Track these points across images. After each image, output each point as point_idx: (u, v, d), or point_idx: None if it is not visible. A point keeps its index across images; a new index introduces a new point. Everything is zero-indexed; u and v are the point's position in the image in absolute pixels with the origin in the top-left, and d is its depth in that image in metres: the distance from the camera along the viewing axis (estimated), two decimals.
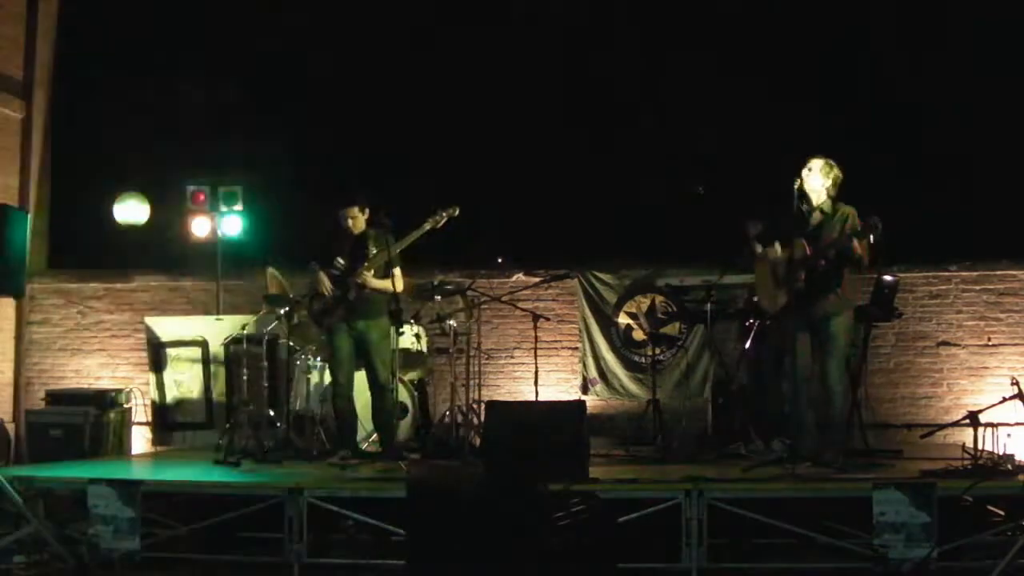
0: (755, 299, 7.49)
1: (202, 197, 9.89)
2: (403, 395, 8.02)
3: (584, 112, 9.83)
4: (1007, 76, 9.15)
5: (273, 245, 9.41)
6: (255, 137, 9.92)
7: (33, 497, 6.31)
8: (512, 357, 9.93)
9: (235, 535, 6.24)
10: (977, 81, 9.16)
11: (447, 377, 8.35)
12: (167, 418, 9.44)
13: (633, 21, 9.81)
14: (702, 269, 8.99)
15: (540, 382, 8.51)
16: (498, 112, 9.77)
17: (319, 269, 7.33)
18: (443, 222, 7.15)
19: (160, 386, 9.47)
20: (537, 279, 9.50)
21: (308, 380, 8.06)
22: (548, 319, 9.23)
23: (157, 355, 9.53)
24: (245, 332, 8.38)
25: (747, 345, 7.73)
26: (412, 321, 8.27)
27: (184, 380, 9.38)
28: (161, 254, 10.44)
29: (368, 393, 7.41)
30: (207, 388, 9.29)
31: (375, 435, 7.63)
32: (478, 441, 7.36)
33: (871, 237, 6.35)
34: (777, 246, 6.86)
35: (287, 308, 7.91)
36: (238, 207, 9.90)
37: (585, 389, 9.78)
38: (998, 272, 9.38)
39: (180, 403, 9.38)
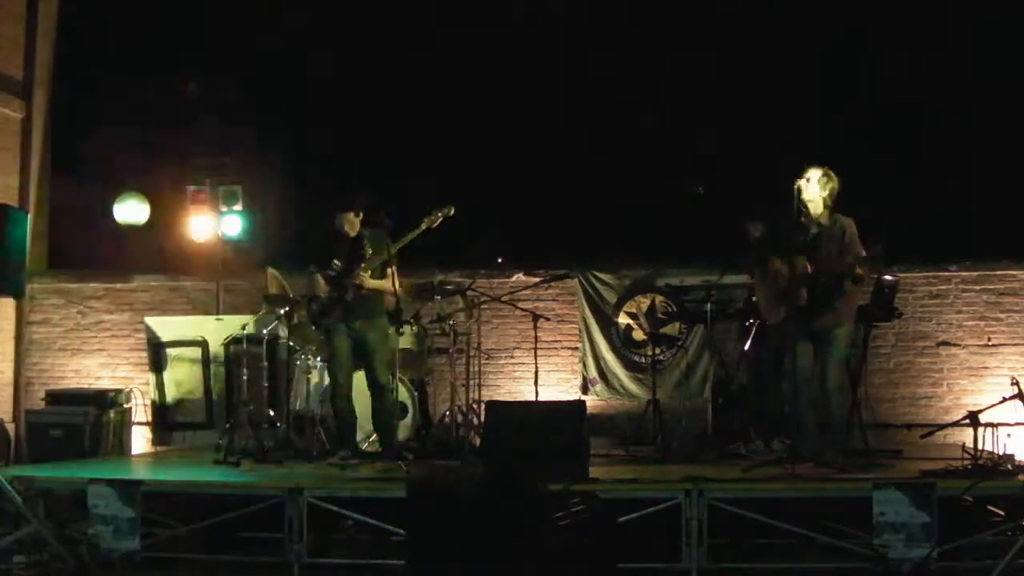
0: (755, 299, 7.49)
1: (202, 197, 9.89)
2: (403, 395, 8.02)
3: (584, 112, 9.83)
4: (1007, 76, 9.14)
5: (273, 245, 9.41)
6: (255, 137, 9.92)
7: (33, 497, 6.31)
8: (512, 357, 9.93)
9: (235, 535, 6.24)
10: (977, 81, 9.16)
11: (447, 377, 8.35)
12: (167, 418, 9.45)
13: (633, 21, 9.81)
14: (702, 269, 9.01)
15: (540, 382, 8.50)
16: (498, 112, 9.77)
17: (316, 272, 7.33)
18: (439, 221, 7.14)
19: (160, 386, 9.48)
20: (537, 279, 9.50)
21: (308, 380, 8.06)
22: (548, 319, 9.22)
23: (157, 355, 9.54)
24: (245, 332, 8.38)
25: (747, 345, 7.74)
26: (411, 321, 8.26)
27: (184, 380, 9.38)
28: (161, 254, 10.44)
29: (368, 393, 7.41)
30: (207, 388, 9.29)
31: (375, 435, 7.63)
32: (478, 441, 7.36)
33: (873, 264, 6.41)
34: (777, 261, 6.88)
35: (287, 308, 7.91)
36: (238, 207, 9.90)
37: (585, 389, 9.78)
38: (998, 272, 9.39)
39: (180, 403, 9.38)
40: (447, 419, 8.21)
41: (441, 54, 10.01)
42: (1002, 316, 9.34)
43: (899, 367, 9.45)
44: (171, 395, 9.40)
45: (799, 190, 6.79)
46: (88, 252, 10.57)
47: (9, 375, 10.47)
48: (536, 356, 8.45)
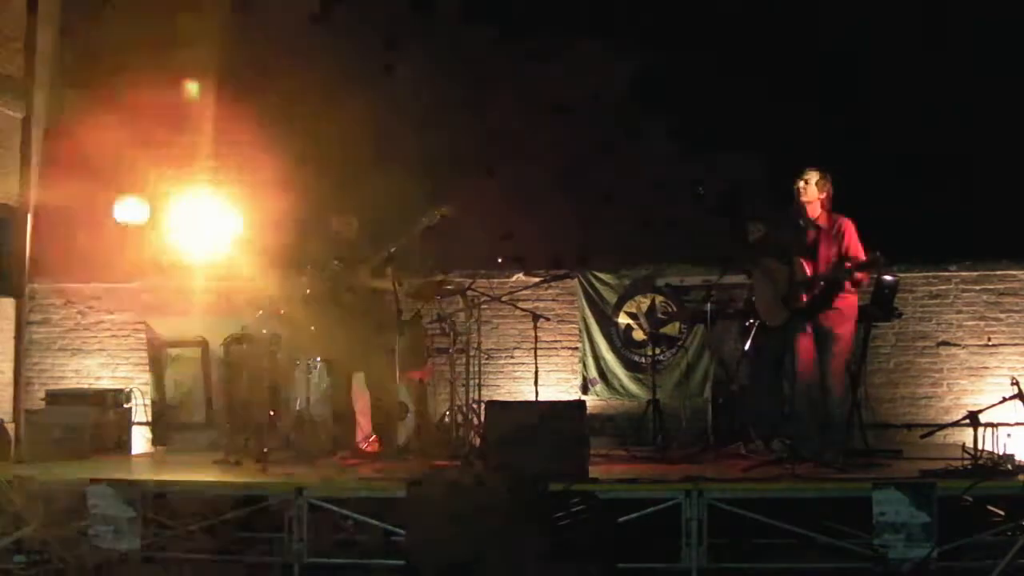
0: (754, 300, 7.50)
1: (202, 197, 9.88)
2: (403, 395, 8.02)
3: (584, 112, 9.81)
4: (1007, 76, 9.14)
5: (273, 246, 9.40)
6: (255, 137, 9.90)
7: (33, 497, 6.31)
8: (512, 357, 9.93)
9: (235, 535, 6.25)
10: (976, 81, 9.15)
11: (447, 377, 8.35)
12: (167, 418, 9.44)
13: (632, 19, 9.80)
14: (702, 269, 9.00)
15: (540, 382, 8.50)
16: (498, 111, 9.76)
17: (314, 272, 7.33)
18: (436, 220, 7.14)
19: (160, 386, 9.47)
20: (537, 279, 9.50)
21: (308, 380, 8.06)
22: (548, 319, 9.23)
23: (157, 355, 9.53)
24: (245, 332, 8.37)
25: (747, 345, 7.74)
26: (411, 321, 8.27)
27: (184, 380, 9.38)
28: (161, 254, 10.43)
29: (368, 393, 7.41)
30: (207, 388, 9.28)
31: (374, 435, 7.63)
32: (478, 441, 7.36)
33: (871, 269, 6.43)
34: (776, 263, 6.89)
35: (287, 308, 7.91)
36: (238, 207, 9.88)
37: (585, 389, 9.78)
38: (998, 272, 9.39)
39: (180, 403, 9.37)
40: (447, 419, 8.21)
41: (441, 54, 9.99)
42: (1002, 316, 9.34)
43: (899, 367, 9.45)
44: (171, 395, 9.39)
45: (797, 192, 6.83)
46: (88, 252, 10.55)
47: (9, 375, 10.46)
48: (536, 356, 8.45)
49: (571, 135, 9.81)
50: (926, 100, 9.17)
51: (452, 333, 8.23)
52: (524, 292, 9.27)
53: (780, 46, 9.43)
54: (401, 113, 9.52)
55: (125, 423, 9.34)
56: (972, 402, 8.63)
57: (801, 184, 6.84)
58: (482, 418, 7.28)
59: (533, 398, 8.39)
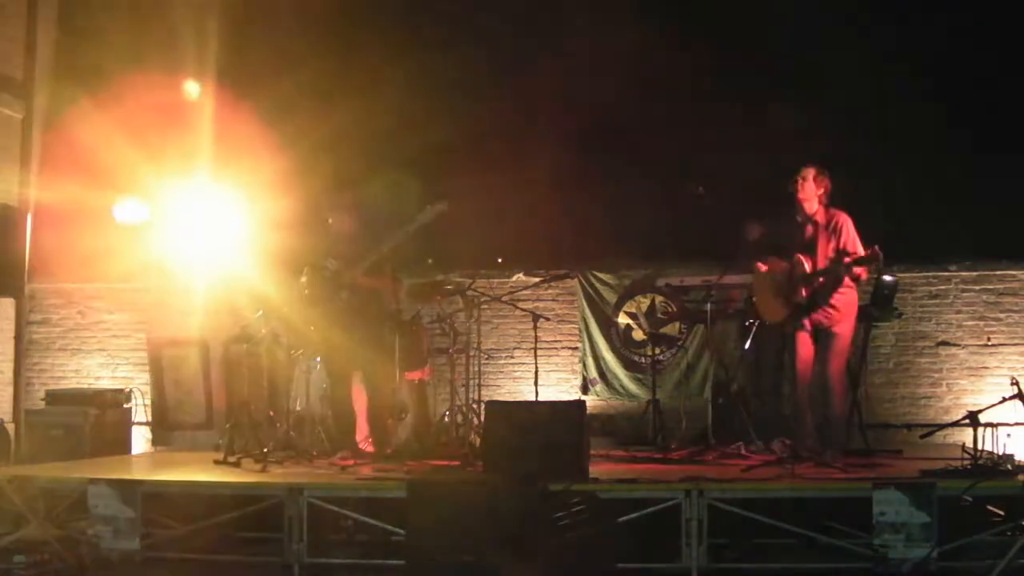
0: (755, 299, 7.50)
1: (202, 197, 9.88)
2: (403, 395, 8.02)
3: (584, 111, 9.81)
4: (1008, 76, 9.14)
5: (273, 246, 9.40)
6: (255, 137, 9.90)
7: (33, 497, 6.30)
8: (512, 357, 9.93)
9: (235, 535, 6.24)
10: (976, 80, 9.16)
11: (447, 377, 8.35)
12: (167, 418, 9.44)
13: (633, 20, 9.79)
14: (702, 269, 9.00)
15: (540, 382, 8.51)
16: (498, 111, 9.76)
17: (312, 272, 7.33)
18: (433, 217, 7.10)
19: (160, 386, 9.47)
20: (537, 279, 9.51)
21: (308, 380, 8.06)
22: (548, 319, 9.23)
23: (157, 355, 9.52)
24: (245, 332, 8.37)
25: (747, 345, 7.74)
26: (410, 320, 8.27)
27: (184, 380, 9.37)
28: (161, 254, 10.43)
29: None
30: (207, 388, 9.28)
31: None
32: (478, 441, 7.36)
33: (870, 264, 6.43)
34: (776, 261, 6.90)
35: (286, 308, 7.90)
36: (238, 207, 9.89)
37: (585, 389, 9.79)
38: (998, 272, 9.39)
39: (180, 403, 9.37)
40: (447, 419, 8.21)
41: (437, 54, 9.99)
42: (1002, 316, 9.35)
43: (899, 367, 9.46)
44: (171, 395, 9.39)
45: (795, 189, 6.84)
46: (88, 252, 10.55)
47: (9, 375, 10.47)
48: (536, 356, 8.46)
49: (571, 134, 9.80)
50: (925, 99, 9.17)
51: (452, 333, 8.23)
52: (524, 292, 9.27)
53: (780, 46, 9.43)
54: (400, 113, 9.51)
55: (125, 423, 9.34)
56: (972, 402, 8.64)
57: (798, 181, 6.85)
58: (482, 418, 7.28)
59: (533, 398, 8.40)
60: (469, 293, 8.33)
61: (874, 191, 8.76)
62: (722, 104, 9.51)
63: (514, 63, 9.87)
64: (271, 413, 8.25)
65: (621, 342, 9.77)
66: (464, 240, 9.40)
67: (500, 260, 9.64)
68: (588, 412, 6.46)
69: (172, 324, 9.58)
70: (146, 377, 9.75)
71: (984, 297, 9.39)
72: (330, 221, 7.46)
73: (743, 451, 7.45)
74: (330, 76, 9.87)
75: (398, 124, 9.57)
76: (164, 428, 9.44)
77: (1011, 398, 6.51)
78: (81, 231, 10.07)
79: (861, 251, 6.65)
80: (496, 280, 9.69)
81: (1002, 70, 9.17)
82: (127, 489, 6.07)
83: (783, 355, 7.15)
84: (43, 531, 6.09)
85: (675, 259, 9.57)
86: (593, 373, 9.82)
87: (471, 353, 8.24)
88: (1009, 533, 5.61)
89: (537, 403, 8.14)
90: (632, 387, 9.70)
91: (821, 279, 6.65)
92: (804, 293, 6.67)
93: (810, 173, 6.85)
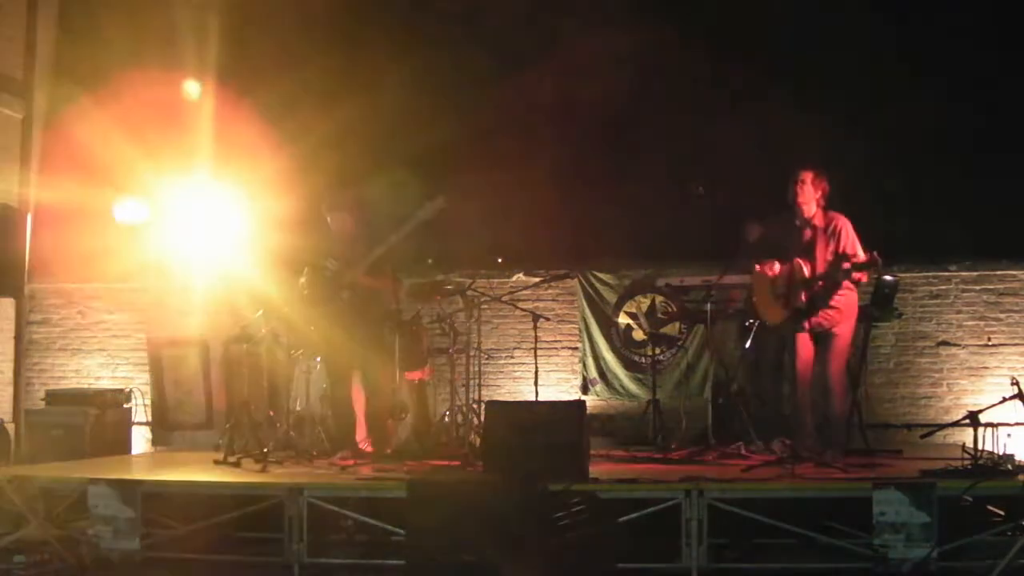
0: (755, 300, 7.50)
1: (202, 197, 9.88)
2: (403, 395, 8.02)
3: (585, 111, 9.81)
4: (1007, 75, 9.14)
5: (273, 246, 9.40)
6: (255, 137, 9.90)
7: (33, 497, 6.30)
8: (512, 357, 9.93)
9: (235, 535, 6.24)
10: (976, 80, 9.16)
11: (447, 377, 8.35)
12: (167, 418, 9.44)
13: (633, 20, 9.79)
14: (702, 269, 9.00)
15: (540, 382, 8.50)
16: (498, 111, 9.76)
17: (311, 272, 7.33)
18: (431, 214, 7.09)
19: (160, 386, 9.47)
20: (537, 279, 9.51)
21: (308, 380, 8.06)
22: (548, 319, 9.23)
23: (157, 355, 9.52)
24: (245, 332, 8.37)
25: (747, 345, 7.74)
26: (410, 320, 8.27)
27: (184, 380, 9.37)
28: (161, 254, 10.43)
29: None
30: (207, 388, 9.28)
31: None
32: (478, 441, 7.36)
33: (869, 269, 6.44)
34: (776, 264, 6.89)
35: (286, 308, 7.91)
36: (238, 207, 9.89)
37: (585, 389, 9.79)
38: (998, 272, 9.39)
39: (180, 403, 9.37)
40: (447, 419, 8.21)
41: (439, 52, 10.00)
42: (1002, 316, 9.34)
43: (899, 367, 9.45)
44: (171, 395, 9.39)
45: (794, 193, 6.84)
46: (88, 252, 10.55)
47: (9, 375, 10.46)
48: (536, 356, 8.45)
49: (571, 134, 9.80)
50: (925, 99, 9.17)
51: (452, 333, 8.23)
52: (524, 292, 9.27)
53: (780, 46, 9.44)
54: (400, 112, 9.52)
55: (125, 423, 9.34)
56: (972, 402, 8.64)
57: (797, 184, 6.85)
58: (482, 418, 7.28)
59: (533, 398, 8.39)
60: (469, 293, 8.33)
61: (874, 191, 8.77)
62: (722, 104, 9.51)
63: (515, 63, 9.86)
64: (271, 413, 8.25)
65: (621, 342, 9.77)
66: (464, 240, 9.41)
67: (500, 260, 9.64)
68: (588, 412, 6.46)
69: (172, 324, 9.58)
70: (146, 377, 9.75)
71: (984, 297, 9.39)
72: (330, 220, 7.46)
73: (743, 451, 7.45)
74: (329, 75, 9.87)
75: (398, 123, 9.57)
76: (164, 428, 9.44)
77: (1011, 398, 6.51)
78: (81, 231, 10.07)
79: (861, 253, 6.65)
80: (496, 280, 9.69)
81: (1002, 70, 9.16)
82: (127, 489, 6.07)
83: (783, 355, 7.15)
84: (43, 531, 6.10)
85: (675, 259, 9.57)
86: (593, 373, 9.82)
87: (471, 353, 8.24)
88: (1009, 533, 5.61)
89: (537, 403, 8.14)
90: (632, 387, 9.70)
91: (820, 284, 6.65)
92: (803, 297, 6.67)
93: (808, 176, 6.84)
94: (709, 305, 8.06)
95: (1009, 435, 6.81)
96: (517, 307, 8.98)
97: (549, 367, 9.72)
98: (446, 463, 7.20)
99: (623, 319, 9.74)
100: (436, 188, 7.26)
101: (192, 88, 10.48)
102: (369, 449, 7.52)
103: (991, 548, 5.48)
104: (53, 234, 10.71)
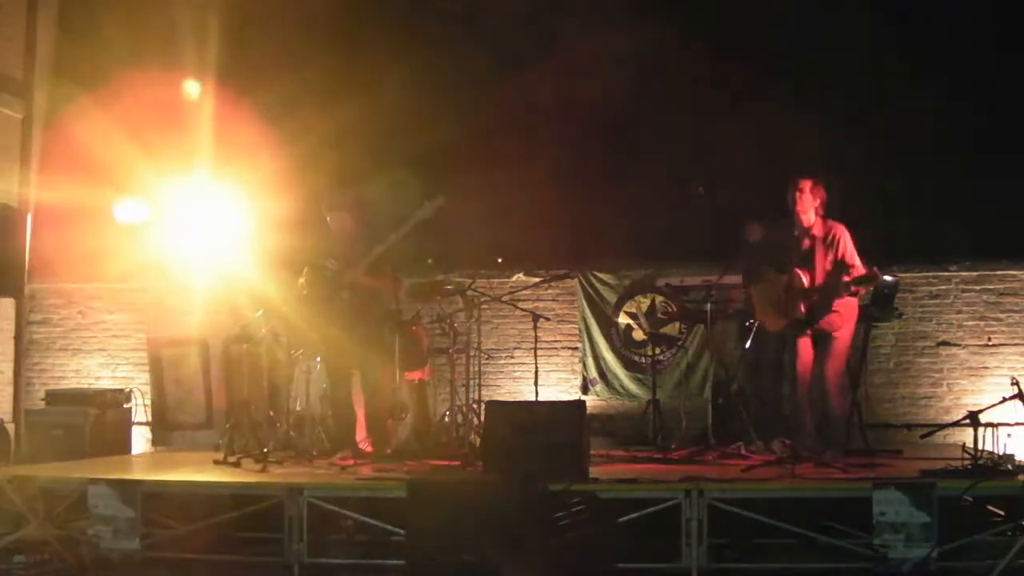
0: (755, 306, 7.50)
1: (202, 197, 9.88)
2: (403, 395, 8.02)
3: (585, 111, 9.82)
4: (1007, 75, 9.15)
5: (273, 246, 9.40)
6: (255, 137, 9.90)
7: (33, 497, 6.30)
8: (512, 357, 9.93)
9: (235, 535, 6.24)
10: (975, 80, 9.16)
11: (447, 377, 8.35)
12: (167, 418, 9.44)
13: (634, 20, 9.79)
14: (702, 269, 9.00)
15: (540, 382, 8.50)
16: (498, 111, 9.76)
17: (311, 272, 7.33)
18: (431, 213, 7.08)
19: (160, 386, 9.47)
20: (537, 279, 9.51)
21: (308, 380, 8.06)
22: (548, 319, 9.23)
23: (157, 355, 9.52)
24: (245, 332, 8.37)
25: (747, 345, 7.74)
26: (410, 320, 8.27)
27: (184, 380, 9.37)
28: (161, 254, 10.43)
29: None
30: (207, 388, 9.28)
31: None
32: (478, 441, 7.36)
33: (869, 285, 6.46)
34: (773, 273, 6.90)
35: (286, 308, 7.90)
36: (238, 207, 9.89)
37: (585, 389, 9.78)
38: (998, 272, 9.39)
39: (180, 403, 9.37)
40: (447, 419, 8.21)
41: (442, 52, 10.00)
42: (1002, 316, 9.34)
43: (899, 367, 9.45)
44: (171, 395, 9.39)
45: (792, 201, 6.82)
46: (88, 252, 10.55)
47: (9, 375, 10.47)
48: (536, 356, 8.46)
49: (571, 134, 9.81)
50: (925, 99, 9.17)
51: (452, 333, 8.23)
52: (524, 292, 9.27)
53: (780, 46, 9.44)
54: (400, 112, 9.52)
55: (125, 423, 9.34)
56: (972, 402, 8.64)
57: (796, 193, 6.83)
58: (482, 418, 7.28)
59: (533, 398, 8.39)
60: (469, 293, 8.33)
61: (874, 191, 8.77)
62: (722, 104, 9.51)
63: (515, 63, 9.86)
64: (271, 413, 8.25)
65: (621, 342, 9.77)
66: (464, 240, 9.41)
67: (500, 260, 9.64)
68: (588, 412, 6.46)
69: (172, 324, 9.58)
70: (146, 377, 9.75)
71: (984, 297, 9.39)
72: (329, 220, 7.46)
73: (743, 451, 7.45)
74: (329, 75, 9.87)
75: (398, 123, 9.57)
76: (164, 428, 9.44)
77: (1011, 398, 6.51)
78: (81, 231, 10.07)
79: (859, 263, 6.66)
80: (496, 280, 9.69)
81: (1002, 70, 9.16)
82: (127, 489, 6.07)
83: (783, 355, 7.14)
84: (43, 531, 6.10)
85: (675, 259, 9.57)
86: (593, 373, 9.82)
87: (471, 353, 8.24)
88: (1009, 533, 5.61)
89: (537, 403, 8.13)
90: (632, 387, 9.70)
91: (817, 296, 6.67)
92: (802, 308, 6.67)
93: (807, 184, 6.82)
94: (709, 305, 8.06)
95: (1009, 435, 6.81)
96: (517, 307, 8.98)
97: (549, 367, 9.72)
98: (446, 463, 7.20)
99: (623, 319, 9.74)
100: (436, 188, 7.25)
101: (192, 88, 10.48)
102: (369, 449, 7.51)
103: (991, 548, 5.48)
104: (53, 234, 10.71)
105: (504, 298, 8.78)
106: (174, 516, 6.37)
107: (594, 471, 6.27)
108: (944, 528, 5.45)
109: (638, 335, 9.66)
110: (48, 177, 10.71)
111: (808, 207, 6.81)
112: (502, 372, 9.92)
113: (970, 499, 5.72)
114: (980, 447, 6.25)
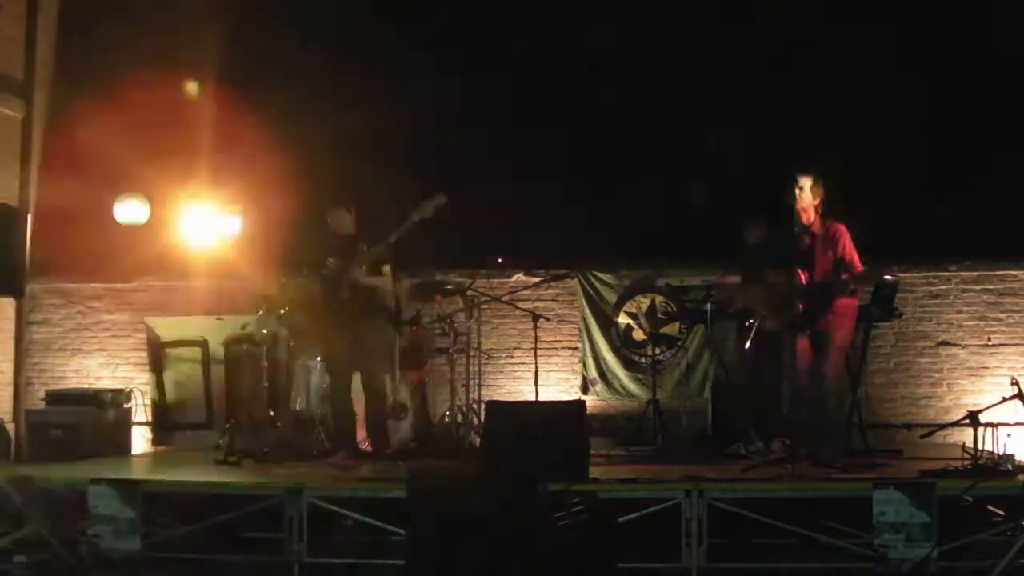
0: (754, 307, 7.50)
1: (202, 197, 9.88)
2: (403, 395, 8.03)
3: (584, 112, 9.82)
4: (1006, 75, 9.15)
5: (273, 246, 9.41)
6: (256, 137, 9.90)
7: (33, 497, 6.31)
8: (512, 357, 9.92)
9: (235, 535, 6.25)
10: (975, 80, 9.16)
11: (447, 377, 8.35)
12: (167, 418, 9.44)
13: (633, 18, 9.80)
14: (702, 269, 9.00)
15: (540, 382, 8.51)
16: (498, 111, 9.76)
17: (311, 272, 7.34)
18: (430, 212, 7.07)
19: (160, 386, 9.47)
20: (537, 279, 9.51)
21: (308, 380, 8.06)
22: (548, 319, 9.23)
23: (157, 355, 9.53)
24: (245, 332, 8.37)
25: (747, 345, 7.74)
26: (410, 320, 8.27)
27: (184, 380, 9.38)
28: (161, 254, 10.43)
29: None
30: (207, 388, 9.29)
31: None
32: (478, 441, 7.36)
33: (867, 283, 6.46)
34: (772, 272, 6.90)
35: (286, 308, 7.91)
36: (238, 207, 9.89)
37: (585, 389, 9.78)
38: (998, 272, 9.39)
39: (180, 403, 9.37)
40: (447, 419, 8.21)
41: (442, 52, 10.00)
42: (1002, 316, 9.34)
43: (899, 367, 9.45)
44: (171, 395, 9.39)
45: (792, 199, 6.82)
46: (88, 252, 10.56)
47: (9, 375, 10.46)
48: (536, 356, 8.46)
49: (572, 134, 9.80)
50: (925, 99, 9.17)
51: (452, 333, 8.23)
52: (524, 292, 9.27)
53: (780, 47, 9.44)
54: (400, 112, 9.51)
55: (125, 423, 9.33)
56: (972, 402, 8.62)
57: (796, 191, 6.83)
58: (482, 418, 7.28)
59: (533, 398, 8.40)
60: (469, 293, 8.33)
61: (874, 191, 8.76)
62: (722, 104, 9.50)
63: (515, 62, 9.86)
64: (271, 413, 8.25)
65: (621, 342, 9.77)
66: (464, 240, 9.40)
67: (500, 260, 9.63)
68: (588, 412, 6.47)
69: (172, 324, 9.57)
70: (146, 377, 9.75)
71: (984, 297, 9.38)
72: (329, 220, 7.46)
73: (743, 451, 7.45)
74: (330, 75, 9.87)
75: (398, 123, 9.57)
76: (164, 428, 9.44)
77: (1011, 398, 6.52)
78: (81, 231, 10.08)
79: (858, 262, 6.66)
80: (496, 280, 9.68)
81: (1002, 70, 9.16)
82: (127, 489, 6.08)
83: (783, 355, 7.14)
84: (43, 531, 6.09)
85: (675, 259, 9.56)
86: (593, 373, 9.82)
87: (471, 353, 8.24)
88: (1009, 533, 5.62)
89: (537, 403, 8.14)
90: (632, 387, 9.70)
91: (817, 294, 6.66)
92: (802, 308, 6.67)
93: (807, 182, 6.82)
94: (709, 305, 8.05)
95: (1009, 435, 6.79)
96: (517, 307, 8.98)
97: (549, 367, 9.72)
98: (446, 463, 7.20)
99: (623, 319, 9.73)
100: (437, 188, 7.25)
101: (192, 88, 10.48)
102: (369, 449, 7.52)
103: (991, 548, 5.49)
104: (53, 234, 10.70)
105: (504, 298, 8.78)
106: (174, 516, 6.37)
107: (594, 471, 6.27)
108: (944, 528, 5.46)
109: (638, 335, 9.66)
110: (48, 177, 10.72)
111: (808, 205, 6.80)
112: (502, 372, 9.92)
113: (970, 499, 5.73)
114: (980, 447, 6.25)
